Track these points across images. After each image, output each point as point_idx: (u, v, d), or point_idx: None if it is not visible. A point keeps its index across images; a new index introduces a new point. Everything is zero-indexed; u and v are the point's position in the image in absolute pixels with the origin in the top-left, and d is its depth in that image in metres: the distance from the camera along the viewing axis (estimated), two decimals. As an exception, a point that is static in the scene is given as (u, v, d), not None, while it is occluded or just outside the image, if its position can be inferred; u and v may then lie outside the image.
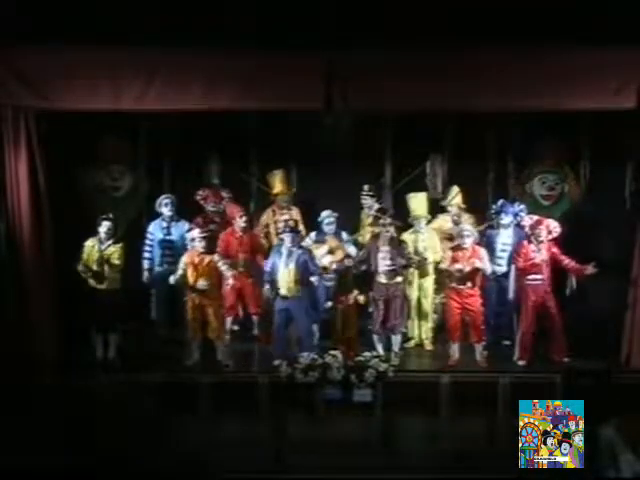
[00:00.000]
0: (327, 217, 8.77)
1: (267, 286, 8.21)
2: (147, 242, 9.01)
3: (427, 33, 7.49)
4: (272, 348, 8.29)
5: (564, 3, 7.51)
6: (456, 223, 8.85)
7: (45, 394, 7.54)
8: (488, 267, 8.28)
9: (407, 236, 8.75)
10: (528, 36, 7.49)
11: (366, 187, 9.15)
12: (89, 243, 8.22)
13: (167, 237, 8.99)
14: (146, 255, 8.99)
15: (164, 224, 9.01)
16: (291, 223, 8.43)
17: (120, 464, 6.55)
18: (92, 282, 8.18)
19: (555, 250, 8.25)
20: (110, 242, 8.20)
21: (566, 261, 8.26)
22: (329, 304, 8.33)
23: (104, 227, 8.19)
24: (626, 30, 7.45)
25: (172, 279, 8.21)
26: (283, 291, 8.09)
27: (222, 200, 9.15)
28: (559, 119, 8.67)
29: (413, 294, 8.76)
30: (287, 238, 8.17)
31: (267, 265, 8.35)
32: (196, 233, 8.27)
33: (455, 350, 8.35)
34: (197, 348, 8.29)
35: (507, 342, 8.80)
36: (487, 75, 7.75)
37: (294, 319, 8.17)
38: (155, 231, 9.03)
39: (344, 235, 8.86)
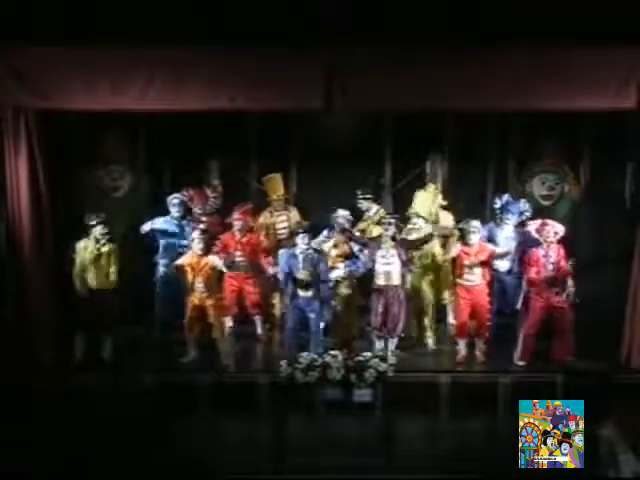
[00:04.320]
0: (338, 217, 8.66)
1: (286, 285, 8.22)
2: (158, 241, 8.90)
3: (427, 33, 7.49)
4: (281, 348, 8.33)
5: (564, 3, 7.51)
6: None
7: (44, 394, 7.54)
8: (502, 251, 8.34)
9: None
10: (528, 36, 7.50)
11: (359, 191, 9.09)
12: (81, 245, 8.18)
13: (178, 234, 8.89)
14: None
15: (175, 222, 8.95)
16: (304, 224, 8.50)
17: (120, 464, 6.56)
18: (88, 282, 8.14)
19: (562, 252, 8.13)
20: (105, 241, 8.16)
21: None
22: (333, 303, 8.35)
23: (98, 229, 8.15)
24: (626, 30, 7.46)
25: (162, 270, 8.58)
26: (301, 292, 8.12)
27: (208, 200, 9.10)
28: (559, 119, 8.67)
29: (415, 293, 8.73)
30: (301, 240, 8.14)
31: (281, 268, 8.35)
32: (196, 234, 8.26)
33: (462, 347, 8.37)
34: (194, 347, 8.29)
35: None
36: (487, 75, 7.74)
37: (307, 319, 8.16)
38: (167, 227, 8.88)
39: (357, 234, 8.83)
